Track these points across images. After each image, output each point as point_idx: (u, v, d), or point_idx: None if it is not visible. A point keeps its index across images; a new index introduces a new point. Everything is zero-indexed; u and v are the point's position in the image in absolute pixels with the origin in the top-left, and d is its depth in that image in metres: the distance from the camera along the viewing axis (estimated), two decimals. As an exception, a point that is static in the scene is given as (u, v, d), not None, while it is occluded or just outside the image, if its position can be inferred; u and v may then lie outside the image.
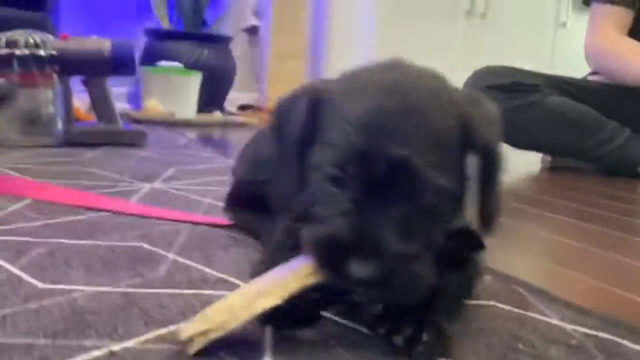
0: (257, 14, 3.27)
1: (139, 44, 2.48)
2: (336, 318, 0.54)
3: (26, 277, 0.61)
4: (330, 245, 0.46)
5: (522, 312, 0.59)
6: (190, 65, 2.73)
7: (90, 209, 0.92)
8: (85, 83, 1.65)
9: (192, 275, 0.65)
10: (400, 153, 0.45)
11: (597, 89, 1.79)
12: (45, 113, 1.58)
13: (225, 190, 0.87)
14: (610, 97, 1.75)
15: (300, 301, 0.48)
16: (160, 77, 2.59)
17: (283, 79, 3.16)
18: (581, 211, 1.19)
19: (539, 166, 1.90)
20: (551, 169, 1.86)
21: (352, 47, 3.04)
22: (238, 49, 3.18)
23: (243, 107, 3.25)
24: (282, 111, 0.57)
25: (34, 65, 1.53)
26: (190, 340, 0.45)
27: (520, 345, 0.52)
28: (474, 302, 0.61)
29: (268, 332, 0.51)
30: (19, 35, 1.53)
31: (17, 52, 1.51)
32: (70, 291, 0.58)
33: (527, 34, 3.25)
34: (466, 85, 1.70)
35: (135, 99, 2.94)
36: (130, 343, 0.48)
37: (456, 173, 0.49)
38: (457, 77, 0.65)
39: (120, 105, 2.17)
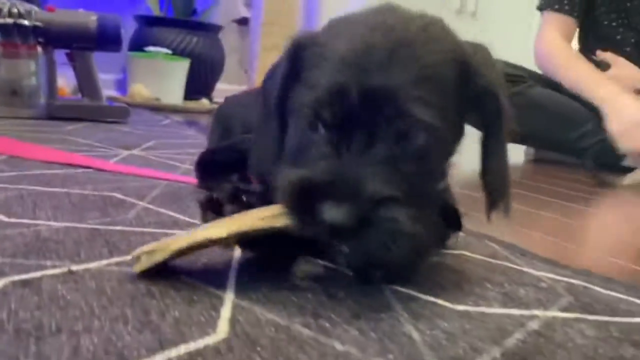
0: (248, 4, 3.27)
1: (128, 30, 2.45)
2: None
3: (-9, 212, 0.60)
4: (302, 187, 0.42)
5: (492, 260, 0.59)
6: (179, 53, 2.71)
7: (66, 164, 0.90)
8: (69, 57, 1.63)
9: (163, 219, 0.64)
10: (380, 84, 0.41)
11: None
12: (27, 85, 1.56)
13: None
14: None
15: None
16: (147, 62, 2.57)
17: (272, 71, 3.15)
18: (553, 191, 1.21)
19: (522, 159, 1.91)
20: (535, 161, 1.87)
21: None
22: (228, 39, 3.17)
23: (231, 99, 3.24)
24: (267, 74, 0.55)
25: (17, 36, 1.51)
26: (137, 258, 0.45)
27: (489, 285, 0.51)
28: (445, 251, 0.60)
29: (233, 263, 0.50)
30: (2, 3, 1.51)
31: (0, 20, 1.49)
32: (35, 225, 0.57)
33: (517, 33, 3.26)
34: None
35: (122, 86, 2.91)
36: (90, 265, 0.47)
37: (451, 116, 0.45)
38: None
39: (107, 93, 2.14)
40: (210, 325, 0.37)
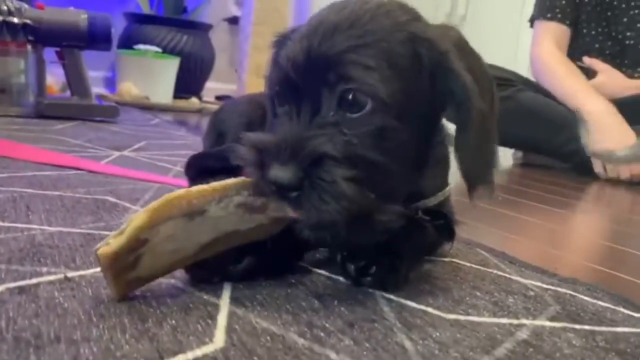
0: (238, 3, 3.26)
1: (117, 27, 2.44)
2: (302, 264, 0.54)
3: (-16, 215, 0.60)
4: (258, 152, 0.44)
5: (482, 268, 0.60)
6: (169, 51, 2.70)
7: (57, 166, 0.90)
8: (59, 55, 1.63)
9: (156, 224, 0.64)
10: (321, 52, 0.44)
11: None
12: (16, 83, 1.56)
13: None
14: None
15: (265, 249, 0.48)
16: (137, 60, 2.56)
17: (262, 71, 3.14)
18: (539, 196, 1.23)
19: (510, 162, 1.93)
20: (522, 165, 1.89)
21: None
22: (218, 38, 3.16)
23: (219, 98, 3.23)
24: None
25: (6, 33, 1.50)
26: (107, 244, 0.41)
27: (479, 293, 0.52)
28: (435, 258, 0.61)
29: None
30: (-8, 1, 1.50)
31: (-10, 17, 1.48)
32: (29, 229, 0.57)
33: (506, 38, 3.29)
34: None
35: (111, 84, 2.89)
36: (86, 272, 0.47)
37: (407, 90, 0.45)
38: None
39: (96, 90, 2.13)
40: (207, 334, 0.38)
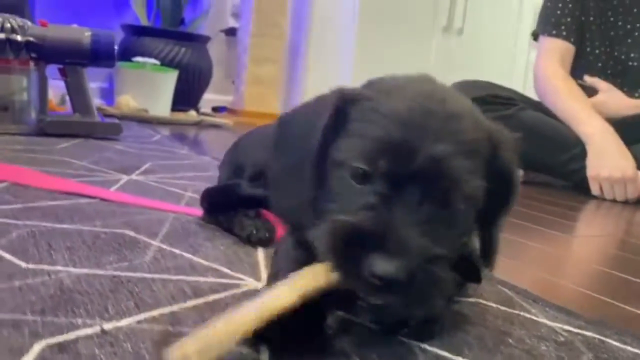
0: (236, 15, 3.26)
1: (116, 40, 2.43)
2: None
3: (8, 256, 0.59)
4: (350, 237, 0.42)
5: (508, 309, 0.60)
6: (167, 63, 2.70)
7: (69, 194, 0.89)
8: (62, 72, 1.62)
9: (180, 263, 0.64)
10: (442, 151, 0.43)
11: None
12: (18, 100, 1.54)
13: (205, 185, 0.86)
14: None
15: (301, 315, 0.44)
16: (136, 73, 2.55)
17: (259, 82, 3.15)
18: (538, 218, 1.23)
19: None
20: (523, 183, 1.90)
21: (330, 56, 3.06)
22: (215, 50, 3.16)
23: (216, 109, 3.23)
24: (290, 123, 0.54)
25: (9, 51, 1.49)
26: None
27: (511, 341, 0.52)
28: (461, 299, 0.61)
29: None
30: (-5, 18, 1.49)
31: (-7, 35, 1.47)
32: (55, 272, 0.56)
33: (502, 53, 3.32)
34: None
35: (108, 95, 2.88)
36: (121, 323, 0.47)
37: (481, 186, 0.47)
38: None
39: (94, 102, 2.13)
40: (254, 397, 0.38)
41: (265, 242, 0.72)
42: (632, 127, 1.73)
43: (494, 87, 1.86)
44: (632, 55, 1.85)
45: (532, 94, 1.99)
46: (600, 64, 1.89)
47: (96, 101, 2.65)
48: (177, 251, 0.68)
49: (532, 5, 3.32)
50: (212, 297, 0.54)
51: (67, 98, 2.05)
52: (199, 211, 0.84)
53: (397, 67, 0.56)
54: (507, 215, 0.52)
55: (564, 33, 1.85)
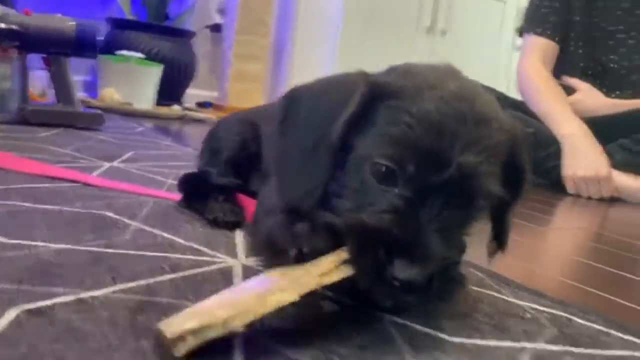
0: (221, 11, 3.26)
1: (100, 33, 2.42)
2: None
3: (-13, 231, 0.60)
4: (376, 239, 0.43)
5: (480, 289, 0.62)
6: (151, 57, 2.69)
7: (51, 178, 0.90)
8: (45, 62, 1.61)
9: (159, 241, 0.65)
10: (471, 161, 0.44)
11: None
12: (1, 88, 1.53)
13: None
14: None
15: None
16: (120, 66, 2.55)
17: (244, 79, 3.15)
18: (517, 212, 1.26)
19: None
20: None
21: (315, 54, 3.07)
22: (200, 45, 3.16)
23: (201, 104, 3.22)
24: (304, 101, 0.52)
25: (-8, 39, 1.48)
26: (180, 339, 0.36)
27: (479, 316, 0.54)
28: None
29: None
30: (-22, 6, 1.48)
31: (-24, 23, 1.46)
32: (34, 246, 0.57)
33: (485, 54, 3.36)
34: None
35: (92, 88, 2.87)
36: (98, 292, 0.47)
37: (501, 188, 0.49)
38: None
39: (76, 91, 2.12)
40: (228, 356, 0.39)
41: (231, 225, 0.73)
42: (608, 127, 1.77)
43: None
44: (612, 57, 1.88)
45: (514, 95, 2.02)
46: (581, 64, 1.92)
47: (79, 94, 2.63)
48: (156, 231, 0.68)
49: (515, 6, 3.36)
50: (188, 272, 0.55)
51: (48, 90, 2.05)
52: (179, 196, 0.85)
53: (381, 67, 0.56)
54: (518, 203, 0.55)
55: (549, 32, 1.88)
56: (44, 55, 1.60)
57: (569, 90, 1.86)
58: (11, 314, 0.41)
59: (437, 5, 3.15)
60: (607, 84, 1.89)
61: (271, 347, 0.41)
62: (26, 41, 1.52)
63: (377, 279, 0.43)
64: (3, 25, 1.47)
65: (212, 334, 0.36)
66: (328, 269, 0.43)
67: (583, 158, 1.68)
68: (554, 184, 1.77)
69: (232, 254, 0.63)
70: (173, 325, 0.36)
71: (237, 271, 0.58)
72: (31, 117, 1.54)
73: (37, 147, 1.21)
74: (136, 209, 0.78)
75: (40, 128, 1.51)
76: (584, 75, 1.90)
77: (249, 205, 0.78)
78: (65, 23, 1.56)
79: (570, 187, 1.71)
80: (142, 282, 0.51)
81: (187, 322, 0.36)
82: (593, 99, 1.84)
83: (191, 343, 0.36)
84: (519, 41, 2.15)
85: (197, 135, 2.08)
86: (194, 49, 3.02)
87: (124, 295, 0.47)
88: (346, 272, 0.43)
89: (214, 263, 0.59)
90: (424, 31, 3.18)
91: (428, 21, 3.18)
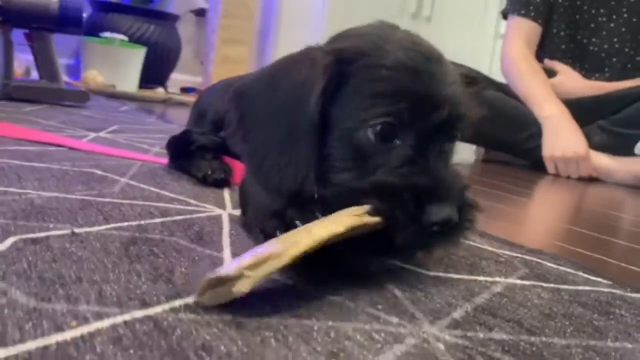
0: (206, -4, 3.26)
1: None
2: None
3: (-22, 181, 0.61)
4: (405, 194, 0.44)
5: (456, 238, 0.65)
6: (135, 40, 2.68)
7: (41, 142, 0.91)
8: (28, 37, 1.61)
9: (147, 194, 0.66)
10: (454, 92, 0.47)
11: None
12: (-17, 63, 1.53)
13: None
14: None
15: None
16: (103, 48, 2.54)
17: (228, 63, 3.15)
18: (501, 186, 1.29)
19: (473, 158, 2.00)
20: (484, 161, 1.97)
21: (300, 39, 3.08)
22: (184, 29, 3.16)
23: (185, 90, 3.22)
24: (259, 93, 0.50)
25: (-25, 13, 1.48)
26: (239, 276, 0.35)
27: (454, 257, 0.57)
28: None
29: (225, 230, 0.54)
30: (-40, -21, 1.47)
31: (-42, -4, 1.45)
32: (26, 194, 0.58)
33: (469, 40, 3.39)
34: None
35: (74, 71, 2.85)
36: (91, 229, 0.49)
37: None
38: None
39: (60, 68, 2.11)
40: (216, 279, 0.41)
41: (220, 183, 0.75)
42: (587, 109, 1.81)
43: (459, 67, 1.92)
44: (593, 40, 1.92)
45: (497, 79, 2.05)
46: (563, 46, 1.95)
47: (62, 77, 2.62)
48: (144, 186, 0.70)
49: (498, -6, 3.39)
50: (177, 217, 0.57)
51: (32, 69, 2.03)
52: (166, 160, 0.87)
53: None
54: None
55: (532, 13, 1.91)
56: (26, 31, 1.59)
57: (551, 73, 1.90)
58: (9, 240, 0.43)
59: (421, -9, 3.18)
60: (587, 66, 1.93)
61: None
62: (9, 16, 1.52)
63: (417, 231, 0.44)
64: (-15, 0, 1.47)
65: (269, 268, 0.36)
66: (359, 213, 0.43)
67: (562, 139, 1.72)
68: (534, 164, 1.81)
69: (221, 205, 0.66)
70: (232, 269, 0.35)
71: (225, 219, 0.60)
72: (15, 94, 1.54)
73: (23, 119, 1.21)
74: (124, 169, 0.79)
75: (25, 104, 1.51)
76: (565, 59, 1.94)
77: (236, 166, 0.80)
78: (49, -2, 1.55)
79: (550, 167, 1.75)
80: (133, 223, 0.53)
81: (242, 260, 0.36)
82: (573, 81, 1.88)
83: (252, 279, 0.35)
84: (503, 29, 2.19)
85: (180, 117, 2.08)
86: (179, 34, 3.01)
87: (116, 232, 0.49)
88: (371, 226, 0.43)
89: (202, 211, 0.61)
90: (409, 17, 3.20)
91: (413, 7, 3.20)
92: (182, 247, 0.47)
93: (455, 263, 0.55)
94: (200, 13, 3.29)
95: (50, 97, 1.61)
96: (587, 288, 0.53)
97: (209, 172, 0.75)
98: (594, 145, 1.74)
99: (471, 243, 0.64)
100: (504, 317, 0.42)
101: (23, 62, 2.18)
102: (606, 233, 0.87)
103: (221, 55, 3.13)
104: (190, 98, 2.74)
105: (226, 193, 0.73)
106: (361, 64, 0.47)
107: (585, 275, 0.57)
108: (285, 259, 0.37)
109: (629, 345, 0.41)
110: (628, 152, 1.70)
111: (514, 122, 1.83)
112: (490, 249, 0.63)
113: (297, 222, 0.45)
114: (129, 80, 2.57)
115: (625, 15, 1.88)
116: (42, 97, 1.59)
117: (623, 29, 1.88)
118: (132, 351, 0.29)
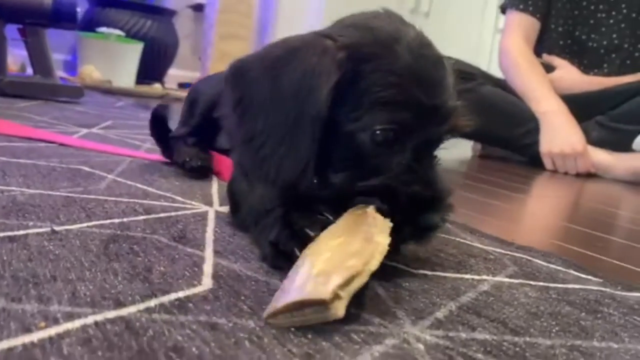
0: (204, -9, 3.24)
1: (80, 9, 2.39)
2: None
3: (-38, 177, 0.60)
4: (408, 200, 0.46)
5: (445, 235, 0.64)
6: (131, 35, 2.67)
7: (27, 139, 0.90)
8: (22, 32, 1.60)
9: (133, 191, 0.66)
10: (457, 104, 0.48)
11: None
12: (-23, 59, 1.52)
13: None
14: None
15: None
16: (100, 44, 2.52)
17: (226, 59, 3.14)
18: (497, 182, 1.28)
19: (470, 154, 1.99)
20: (481, 157, 1.96)
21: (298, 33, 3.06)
22: (182, 25, 3.14)
23: (182, 85, 3.21)
24: (258, 74, 0.48)
25: (-32, 8, 1.47)
26: (335, 297, 0.34)
27: (443, 255, 0.56)
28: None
29: (209, 230, 0.53)
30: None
31: (-49, -9, 1.44)
32: (9, 190, 0.58)
33: (468, 36, 3.38)
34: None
35: (71, 67, 2.84)
36: (72, 227, 0.48)
37: None
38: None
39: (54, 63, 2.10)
40: (195, 278, 0.40)
41: (197, 170, 0.76)
42: (585, 104, 1.80)
43: (458, 63, 1.91)
44: (592, 36, 1.91)
45: (495, 74, 2.04)
46: (561, 42, 1.94)
47: (59, 73, 2.61)
48: (131, 183, 0.69)
49: (496, -11, 3.38)
50: (162, 215, 0.57)
51: (28, 65, 2.02)
52: (156, 156, 0.86)
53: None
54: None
55: (531, 8, 1.90)
56: (20, 27, 1.58)
57: (549, 69, 1.89)
58: (-15, 239, 0.42)
59: (420, -14, 3.17)
60: (586, 62, 1.92)
61: (241, 272, 0.43)
62: (2, 11, 1.51)
63: (414, 230, 0.47)
64: (-22, -6, 1.46)
65: (358, 283, 0.36)
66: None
67: (560, 134, 1.71)
68: (532, 160, 1.80)
69: (208, 202, 0.65)
70: (326, 286, 0.34)
71: (211, 216, 0.59)
72: (8, 89, 1.53)
73: (15, 114, 1.20)
74: (112, 166, 0.79)
75: (18, 100, 1.50)
76: (563, 54, 1.93)
77: (224, 162, 0.79)
78: (42, -7, 1.54)
79: (547, 163, 1.74)
80: (116, 220, 0.52)
81: (332, 280, 0.35)
82: (571, 76, 1.87)
83: (345, 300, 0.35)
84: (502, 24, 2.17)
85: (177, 113, 2.07)
86: (176, 29, 3.00)
87: (97, 230, 0.49)
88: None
89: (188, 209, 0.61)
90: (408, 12, 3.18)
91: (412, 2, 3.18)
92: (163, 245, 0.47)
93: (443, 261, 0.54)
94: (198, 8, 3.28)
95: (44, 92, 1.60)
96: (576, 286, 0.52)
97: (187, 159, 0.76)
98: (592, 141, 1.73)
99: (460, 240, 0.63)
100: (488, 317, 0.41)
101: (18, 58, 2.17)
102: (603, 230, 0.86)
103: (219, 51, 3.12)
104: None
105: (214, 189, 0.72)
106: (373, 65, 0.46)
107: (576, 273, 0.57)
108: (366, 275, 0.37)
109: (615, 345, 0.40)
110: (626, 147, 1.69)
111: (512, 117, 1.82)
112: (480, 246, 0.62)
113: (308, 231, 0.44)
114: (125, 75, 2.56)
115: (625, 11, 1.87)
116: (36, 92, 1.58)
117: (622, 25, 1.87)
118: (100, 353, 0.29)
